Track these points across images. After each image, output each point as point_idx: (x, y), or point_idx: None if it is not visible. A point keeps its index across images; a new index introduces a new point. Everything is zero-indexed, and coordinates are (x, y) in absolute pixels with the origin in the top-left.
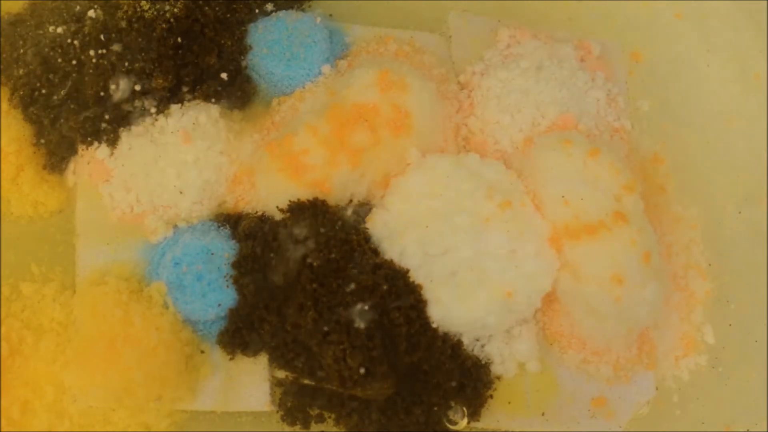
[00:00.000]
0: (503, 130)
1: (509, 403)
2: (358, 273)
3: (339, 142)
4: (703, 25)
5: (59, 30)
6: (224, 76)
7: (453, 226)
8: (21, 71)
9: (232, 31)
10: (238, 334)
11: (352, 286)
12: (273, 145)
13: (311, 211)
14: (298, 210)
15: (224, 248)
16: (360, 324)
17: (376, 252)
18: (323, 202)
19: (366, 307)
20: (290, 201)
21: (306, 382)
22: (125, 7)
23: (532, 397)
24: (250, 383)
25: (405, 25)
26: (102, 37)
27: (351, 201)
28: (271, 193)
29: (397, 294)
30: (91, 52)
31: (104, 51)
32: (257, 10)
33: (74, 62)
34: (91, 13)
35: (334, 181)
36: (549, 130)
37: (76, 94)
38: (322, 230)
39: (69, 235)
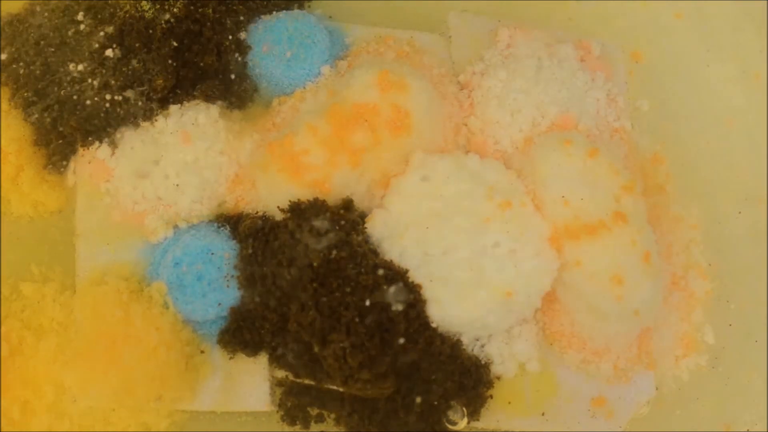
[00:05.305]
0: (503, 130)
1: (509, 403)
2: (358, 273)
3: (339, 142)
4: (703, 25)
5: (59, 30)
6: (224, 76)
7: (453, 226)
8: (21, 71)
9: (232, 31)
10: (239, 333)
11: (353, 285)
12: (273, 145)
13: (311, 211)
14: (298, 210)
15: (224, 248)
16: (360, 323)
17: (375, 252)
18: (323, 201)
19: (366, 307)
20: (290, 201)
21: (306, 382)
22: (125, 7)
23: (532, 397)
24: (250, 383)
25: (405, 25)
26: (102, 37)
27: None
28: (271, 193)
29: (397, 294)
30: (92, 53)
31: (105, 51)
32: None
33: (74, 62)
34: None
35: (334, 181)
36: (549, 130)
37: (76, 94)
38: (322, 230)
39: (69, 235)
